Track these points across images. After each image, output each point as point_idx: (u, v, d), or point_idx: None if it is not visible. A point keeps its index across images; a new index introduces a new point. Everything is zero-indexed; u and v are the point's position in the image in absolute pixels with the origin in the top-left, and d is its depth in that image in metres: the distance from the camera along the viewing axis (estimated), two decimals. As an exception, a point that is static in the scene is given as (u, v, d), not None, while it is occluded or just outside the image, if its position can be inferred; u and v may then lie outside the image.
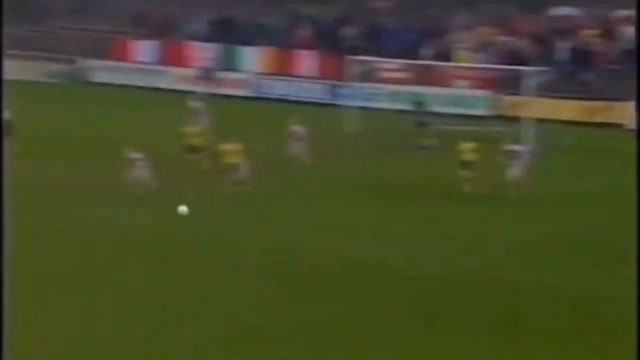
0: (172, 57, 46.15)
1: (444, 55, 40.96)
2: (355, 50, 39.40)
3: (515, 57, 39.11)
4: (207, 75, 44.25)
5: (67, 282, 16.44)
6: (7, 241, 8.01)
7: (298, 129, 27.13)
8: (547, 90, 35.69)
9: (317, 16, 46.09)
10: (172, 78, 44.81)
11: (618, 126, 36.72)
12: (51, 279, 16.51)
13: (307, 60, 43.75)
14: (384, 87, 39.80)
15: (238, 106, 40.45)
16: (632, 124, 34.07)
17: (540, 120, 32.22)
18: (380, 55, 39.56)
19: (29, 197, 22.02)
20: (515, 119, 33.92)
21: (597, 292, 16.53)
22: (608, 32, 40.85)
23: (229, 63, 44.97)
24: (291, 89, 42.93)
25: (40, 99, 40.48)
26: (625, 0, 38.11)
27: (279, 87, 43.24)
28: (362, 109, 35.12)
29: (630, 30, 39.15)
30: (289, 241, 19.52)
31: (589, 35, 40.96)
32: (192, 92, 35.53)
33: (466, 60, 40.96)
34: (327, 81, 42.18)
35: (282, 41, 44.80)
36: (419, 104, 34.39)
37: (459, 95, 39.76)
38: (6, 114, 29.31)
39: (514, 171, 23.71)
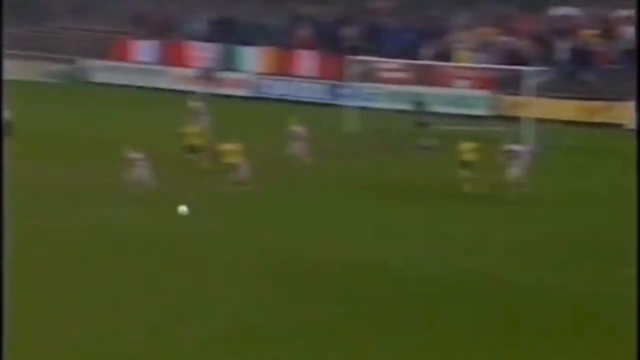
0: (172, 57, 46.15)
1: (444, 55, 40.97)
2: (355, 50, 39.40)
3: (515, 57, 39.11)
4: (207, 75, 44.26)
5: (67, 281, 16.45)
6: (7, 241, 7.99)
7: (298, 129, 27.13)
8: (547, 90, 35.69)
9: (317, 16, 46.09)
10: (172, 78, 44.81)
11: (618, 126, 36.72)
12: (51, 279, 16.52)
13: (307, 60, 43.75)
14: (384, 87, 39.80)
15: (238, 106, 40.44)
16: (632, 124, 34.07)
17: (540, 120, 32.23)
18: (380, 55, 39.55)
19: (29, 197, 22.01)
20: (515, 119, 33.92)
21: (597, 292, 16.53)
22: (608, 32, 40.84)
23: (229, 63, 44.97)
24: (291, 89, 42.93)
25: (40, 99, 40.47)
26: (625, 0, 38.11)
27: (279, 87, 43.25)
28: (362, 109, 35.12)
29: (630, 30, 39.15)
30: (288, 241, 19.52)
31: (589, 35, 40.97)
32: (192, 92, 35.52)
33: (466, 60, 40.96)
34: (327, 81, 42.18)
35: (282, 41, 44.80)
36: (419, 104, 34.39)
37: (459, 95, 39.76)
38: (6, 114, 29.33)
39: (514, 171, 23.71)
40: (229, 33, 46.13)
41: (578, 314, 15.50)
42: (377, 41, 43.11)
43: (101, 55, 47.15)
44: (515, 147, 24.25)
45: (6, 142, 8.00)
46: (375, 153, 30.76)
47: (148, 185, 22.26)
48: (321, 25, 45.56)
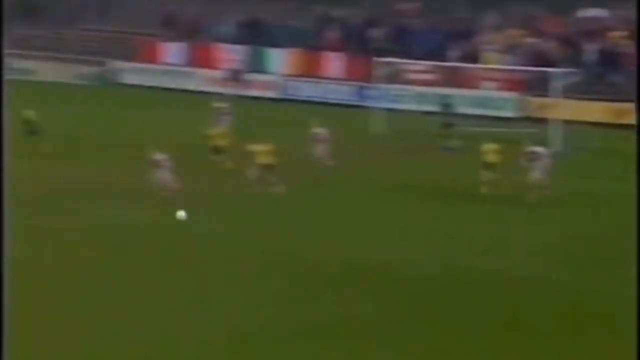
0: (200, 59, 46.45)
1: (471, 57, 40.93)
2: (383, 52, 39.48)
3: (542, 59, 39.00)
4: (234, 77, 44.51)
5: (88, 281, 16.52)
6: (7, 241, 8.03)
7: (320, 130, 27.18)
8: (575, 91, 35.57)
9: (344, 18, 46.20)
10: (200, 80, 45.08)
11: (646, 128, 36.47)
12: (68, 279, 16.60)
13: (334, 62, 43.87)
14: (411, 88, 39.83)
15: (265, 108, 40.62)
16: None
17: (568, 122, 32.14)
18: (408, 57, 39.60)
19: (52, 196, 22.32)
20: (542, 121, 33.85)
21: (617, 293, 16.43)
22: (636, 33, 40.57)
23: (256, 65, 45.18)
24: (318, 91, 43.06)
25: (70, 101, 40.91)
26: (654, 2, 37.81)
27: (306, 89, 43.39)
28: (389, 111, 35.17)
29: (659, 32, 38.86)
30: (302, 241, 19.55)
31: (617, 36, 40.75)
32: (220, 94, 35.78)
33: (494, 62, 40.89)
34: (354, 83, 42.28)
35: (310, 43, 44.95)
36: (446, 105, 34.40)
37: (486, 96, 39.69)
38: (31, 114, 29.68)
39: (536, 173, 23.64)
40: (257, 35, 46.35)
41: (593, 314, 15.47)
42: (404, 43, 43.15)
43: (130, 57, 47.55)
44: (537, 149, 24.15)
45: (6, 141, 8.01)
46: (401, 155, 30.81)
47: (172, 186, 22.37)
48: (348, 27, 45.67)
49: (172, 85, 44.79)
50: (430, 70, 40.27)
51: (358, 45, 43.79)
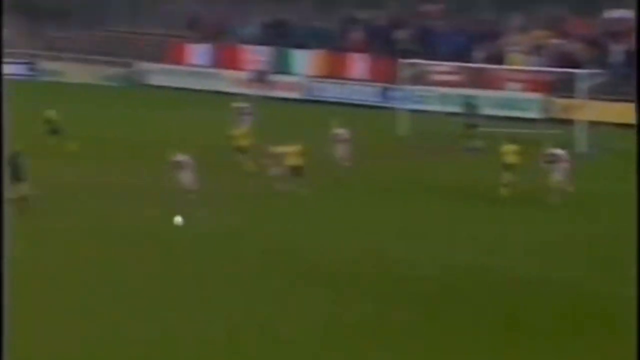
0: (225, 60, 46.70)
1: (497, 58, 40.89)
2: (407, 53, 39.55)
3: (568, 60, 38.90)
4: (259, 78, 44.73)
5: (119, 281, 16.62)
6: (7, 241, 8.13)
7: (341, 131, 27.15)
8: (600, 92, 35.45)
9: (369, 19, 46.31)
10: (226, 81, 45.33)
11: (672, 129, 36.26)
12: (70, 279, 16.71)
13: (359, 63, 43.97)
14: (436, 89, 39.86)
15: (289, 109, 40.79)
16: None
17: (593, 123, 32.04)
18: (432, 58, 39.64)
19: (60, 196, 22.49)
20: (567, 122, 33.78)
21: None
22: (663, 34, 40.33)
23: (281, 66, 45.37)
24: (343, 92, 43.17)
25: (96, 102, 41.26)
26: (681, 2, 37.58)
27: (331, 90, 43.51)
28: (414, 112, 35.24)
29: (686, 33, 38.60)
30: (320, 241, 19.67)
31: (644, 37, 40.51)
32: (245, 95, 35.97)
33: (519, 63, 40.83)
34: (378, 84, 42.37)
35: (335, 44, 45.09)
36: (470, 106, 34.39)
37: (511, 98, 39.64)
38: (53, 114, 29.97)
39: (555, 175, 23.58)
40: (282, 36, 46.56)
41: (610, 315, 15.44)
42: (428, 44, 43.19)
43: (157, 58, 47.90)
44: (556, 151, 24.04)
45: (6, 141, 8.08)
46: (425, 155, 30.84)
47: (192, 187, 22.42)
48: (373, 28, 45.76)
49: (198, 87, 45.06)
50: (454, 71, 40.27)
51: (383, 47, 43.86)
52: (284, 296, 16.01)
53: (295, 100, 43.37)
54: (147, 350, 13.47)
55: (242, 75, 45.25)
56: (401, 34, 44.65)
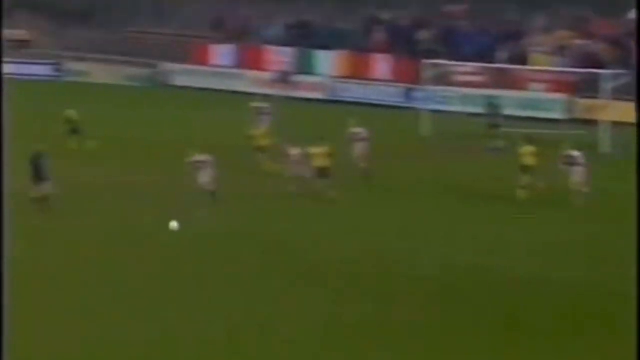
0: (249, 61, 46.88)
1: (520, 59, 40.81)
2: (431, 54, 39.57)
3: (591, 61, 38.76)
4: (283, 79, 44.90)
5: (119, 281, 16.64)
6: (6, 241, 8.24)
7: (358, 130, 27.04)
8: (624, 93, 35.27)
9: (392, 20, 46.34)
10: (249, 81, 45.51)
11: (697, 130, 36.03)
12: (115, 279, 16.85)
13: (382, 64, 44.01)
14: (459, 90, 39.86)
15: (312, 109, 40.92)
16: None
17: (617, 124, 31.93)
18: (456, 59, 39.64)
19: (89, 196, 22.59)
20: (590, 123, 33.69)
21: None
22: (688, 35, 40.10)
23: (304, 67, 45.48)
24: (366, 93, 43.25)
25: (120, 102, 41.56)
26: None
27: (354, 91, 43.60)
28: (437, 112, 35.27)
29: None
30: (332, 241, 19.73)
31: (668, 38, 40.29)
32: (268, 95, 36.11)
33: (542, 64, 40.74)
34: (401, 84, 42.40)
35: (358, 45, 45.18)
36: (493, 106, 34.37)
37: (534, 98, 39.56)
38: (73, 114, 30.18)
39: (573, 177, 23.51)
40: (305, 37, 46.68)
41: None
42: (452, 45, 43.17)
43: (181, 59, 48.16)
44: (574, 153, 23.94)
45: (6, 141, 8.21)
46: (447, 156, 30.85)
47: (211, 187, 22.46)
48: (396, 29, 45.78)
49: (221, 87, 45.24)
50: (477, 72, 40.24)
51: (405, 47, 43.87)
52: (286, 296, 16.01)
53: (318, 100, 43.47)
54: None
55: (266, 75, 45.40)
56: (424, 35, 44.64)
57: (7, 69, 54.93)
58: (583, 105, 37.94)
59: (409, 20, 46.00)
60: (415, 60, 39.86)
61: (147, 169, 26.51)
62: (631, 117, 35.52)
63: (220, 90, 44.76)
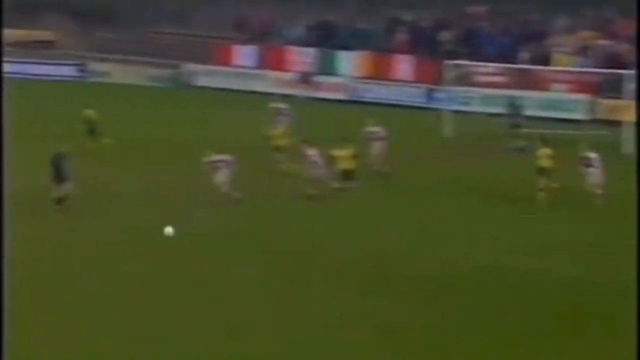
0: (271, 61, 47.02)
1: (543, 59, 40.71)
2: (453, 55, 39.55)
3: (614, 61, 38.59)
4: (304, 79, 45.02)
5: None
6: (6, 241, 8.28)
7: (376, 129, 26.94)
8: (647, 93, 35.08)
9: (414, 21, 46.34)
10: (271, 82, 45.66)
11: None
12: (144, 279, 16.86)
13: (403, 65, 44.02)
14: (480, 91, 39.82)
15: (334, 109, 40.99)
16: None
17: (640, 124, 31.72)
18: (478, 60, 39.61)
19: (107, 198, 22.59)
20: (613, 123, 33.56)
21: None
22: None
23: (326, 67, 45.57)
24: (387, 93, 43.29)
25: (142, 102, 41.77)
26: None
27: (376, 91, 43.64)
28: (459, 113, 35.27)
29: None
30: (342, 241, 19.71)
31: (692, 38, 40.05)
32: (289, 96, 36.22)
33: (565, 64, 40.61)
34: (423, 85, 42.41)
35: (380, 45, 45.22)
36: (514, 107, 34.31)
37: (556, 99, 39.44)
38: (91, 114, 30.35)
39: (589, 178, 23.43)
40: (327, 38, 46.77)
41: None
42: (474, 45, 43.12)
43: (204, 59, 48.40)
44: (590, 154, 23.84)
45: (6, 141, 8.25)
46: (469, 156, 30.82)
47: (228, 187, 22.46)
48: (418, 29, 45.79)
49: (244, 87, 45.42)
50: (499, 72, 40.18)
51: (428, 48, 43.87)
52: (302, 296, 16.03)
53: (340, 101, 43.55)
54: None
55: (288, 76, 45.54)
56: (446, 35, 44.62)
57: (31, 69, 55.40)
58: (606, 106, 37.78)
59: (431, 21, 45.98)
60: (437, 60, 39.87)
61: (167, 169, 26.57)
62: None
63: (242, 91, 44.93)
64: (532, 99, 37.71)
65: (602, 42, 41.66)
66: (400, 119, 36.50)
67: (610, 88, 36.66)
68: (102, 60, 50.37)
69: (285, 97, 34.03)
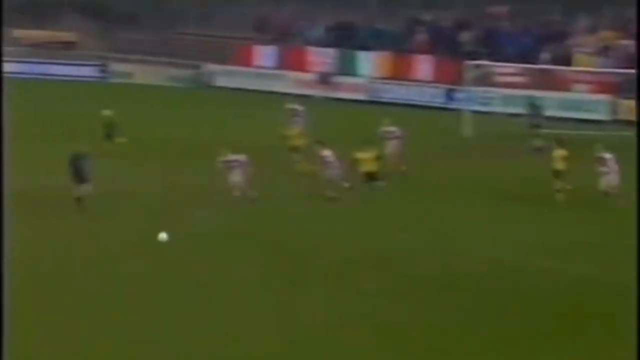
0: (291, 62, 47.10)
1: (564, 59, 40.54)
2: (473, 55, 39.46)
3: (636, 61, 38.31)
4: (324, 80, 45.06)
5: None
6: (6, 241, 8.31)
7: (392, 129, 26.86)
8: (669, 94, 34.86)
9: (434, 21, 46.28)
10: (291, 82, 45.75)
11: None
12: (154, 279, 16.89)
13: (423, 65, 43.97)
14: (500, 91, 39.72)
15: (354, 110, 41.01)
16: None
17: (661, 125, 31.51)
18: (498, 60, 39.52)
19: (124, 196, 22.62)
20: (635, 124, 33.30)
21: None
22: None
23: (346, 67, 45.59)
24: (407, 93, 43.25)
25: (162, 103, 41.94)
26: None
27: (396, 92, 43.62)
28: (479, 113, 35.20)
29: None
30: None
31: None
32: (310, 96, 36.29)
33: (586, 64, 40.42)
34: (443, 85, 42.35)
35: (399, 46, 45.19)
36: (534, 107, 34.20)
37: (576, 99, 39.28)
38: (109, 114, 30.49)
39: (604, 179, 23.31)
40: (347, 38, 46.79)
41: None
42: (494, 45, 43.01)
43: (224, 60, 48.56)
44: (605, 155, 23.72)
45: (6, 141, 8.29)
46: (488, 157, 30.73)
47: (243, 187, 22.46)
48: (438, 29, 45.73)
49: (264, 88, 45.52)
50: (520, 72, 40.06)
51: (448, 48, 43.80)
52: (318, 296, 16.02)
53: (359, 101, 43.56)
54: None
55: (308, 76, 45.61)
56: (466, 36, 44.52)
57: (53, 70, 55.54)
58: (627, 106, 37.56)
59: (451, 21, 45.91)
60: (457, 61, 39.80)
61: (184, 169, 26.60)
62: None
63: (262, 91, 45.02)
64: (552, 100, 37.59)
65: (623, 42, 41.41)
66: (420, 119, 36.46)
67: (631, 88, 36.38)
68: (123, 61, 50.63)
69: (304, 98, 34.07)
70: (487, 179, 26.92)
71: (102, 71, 50.57)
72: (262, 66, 47.79)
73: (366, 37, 46.37)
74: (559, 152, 24.09)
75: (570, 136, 29.99)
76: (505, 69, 40.02)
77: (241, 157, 22.82)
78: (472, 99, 36.43)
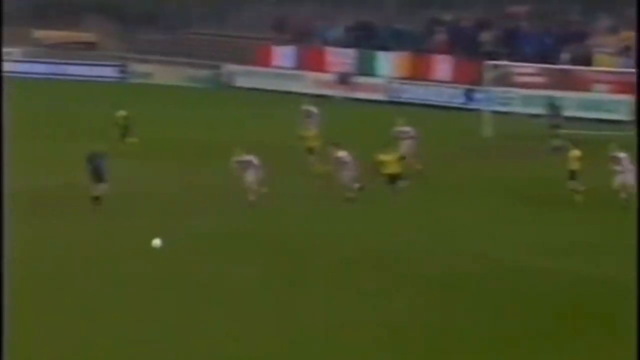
0: (310, 62, 47.08)
1: (584, 59, 40.33)
2: (493, 55, 39.32)
3: (656, 62, 38.10)
4: (343, 80, 45.03)
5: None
6: (6, 241, 8.35)
7: (406, 129, 26.77)
8: (690, 94, 34.57)
9: (453, 21, 46.16)
10: (310, 82, 45.74)
11: None
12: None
13: (443, 65, 43.85)
14: (520, 91, 39.57)
15: (373, 110, 40.95)
16: None
17: (682, 125, 31.27)
18: (518, 60, 39.36)
19: (140, 196, 22.64)
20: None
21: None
22: None
23: (365, 68, 45.54)
24: (427, 94, 43.16)
25: (181, 103, 42.04)
26: None
27: (415, 92, 43.52)
28: (499, 113, 35.07)
29: None
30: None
31: None
32: (329, 96, 36.27)
33: (607, 65, 40.19)
34: (463, 85, 42.23)
35: (419, 46, 45.10)
36: (553, 107, 34.04)
37: (597, 99, 39.07)
38: (123, 114, 30.56)
39: (619, 177, 23.18)
40: (366, 38, 46.75)
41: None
42: (514, 46, 42.85)
43: (243, 60, 48.63)
44: (619, 154, 23.59)
45: (6, 141, 8.30)
46: (508, 157, 30.66)
47: (257, 187, 22.41)
48: (458, 30, 45.61)
49: (283, 88, 45.52)
50: (540, 72, 39.88)
51: (467, 48, 43.67)
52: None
53: (378, 101, 43.51)
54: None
55: (327, 77, 45.59)
56: (486, 36, 44.37)
57: (73, 70, 55.87)
58: (647, 106, 37.29)
59: (470, 21, 45.77)
60: (476, 61, 39.68)
61: (199, 169, 26.60)
62: (697, 119, 34.85)
63: (281, 92, 45.02)
64: (572, 100, 37.40)
65: (644, 42, 41.15)
66: (439, 119, 36.40)
67: (652, 88, 36.16)
68: (143, 61, 50.81)
69: (323, 98, 34.04)
70: (504, 179, 26.85)
71: (122, 71, 50.78)
72: (281, 66, 47.81)
73: (385, 37, 46.30)
74: (574, 153, 24.03)
75: (590, 136, 29.87)
76: (525, 69, 39.86)
77: (253, 157, 22.75)
78: (492, 99, 36.30)
